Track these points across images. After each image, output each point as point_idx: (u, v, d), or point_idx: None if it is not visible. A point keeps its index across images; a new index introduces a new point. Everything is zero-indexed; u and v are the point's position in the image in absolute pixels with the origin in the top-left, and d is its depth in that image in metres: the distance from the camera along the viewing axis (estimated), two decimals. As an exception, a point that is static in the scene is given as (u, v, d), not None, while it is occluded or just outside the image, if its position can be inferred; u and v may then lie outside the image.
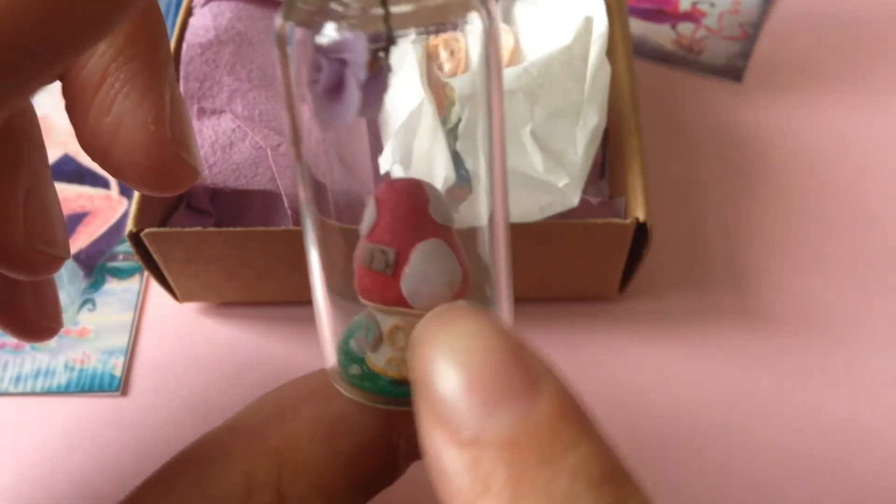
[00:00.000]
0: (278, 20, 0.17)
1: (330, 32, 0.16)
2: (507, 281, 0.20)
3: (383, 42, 0.16)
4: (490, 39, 0.17)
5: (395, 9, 0.16)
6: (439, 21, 0.16)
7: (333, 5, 0.16)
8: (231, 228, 0.34)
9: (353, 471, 0.20)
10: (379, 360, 0.19)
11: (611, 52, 0.41)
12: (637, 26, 0.53)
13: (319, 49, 0.16)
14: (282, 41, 0.17)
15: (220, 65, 0.39)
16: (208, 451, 0.19)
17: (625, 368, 0.37)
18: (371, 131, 0.41)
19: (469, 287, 0.19)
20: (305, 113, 0.17)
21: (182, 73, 0.38)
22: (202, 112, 0.38)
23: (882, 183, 0.44)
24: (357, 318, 0.19)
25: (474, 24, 0.16)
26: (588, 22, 0.38)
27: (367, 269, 0.18)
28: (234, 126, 0.38)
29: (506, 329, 0.16)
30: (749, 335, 0.38)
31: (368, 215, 0.18)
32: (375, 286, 0.18)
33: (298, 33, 0.16)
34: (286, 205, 0.36)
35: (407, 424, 0.20)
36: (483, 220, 0.19)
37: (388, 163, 0.35)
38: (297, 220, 0.37)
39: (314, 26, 0.16)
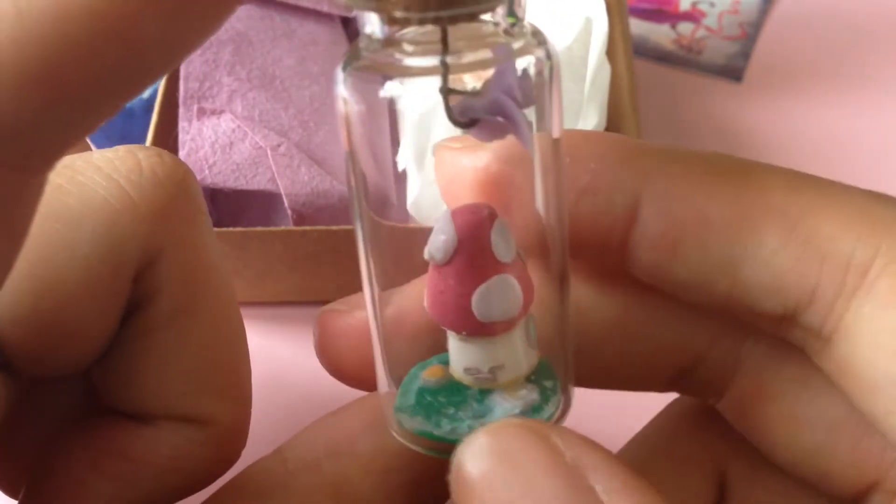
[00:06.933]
0: (340, 69, 0.17)
1: (391, 84, 0.16)
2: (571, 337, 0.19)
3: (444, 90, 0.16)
4: (552, 85, 0.17)
5: (453, 60, 0.16)
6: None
7: (395, 54, 0.16)
8: (231, 228, 0.34)
9: None
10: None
11: (611, 52, 0.41)
12: (637, 26, 0.53)
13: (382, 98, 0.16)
14: (344, 89, 0.17)
15: (220, 65, 0.39)
16: (265, 484, 0.19)
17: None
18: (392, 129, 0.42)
19: (530, 306, 0.18)
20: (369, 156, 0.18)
21: (182, 73, 0.38)
22: (202, 112, 0.38)
23: (882, 182, 0.44)
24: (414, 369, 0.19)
25: (531, 69, 0.16)
26: (588, 22, 0.38)
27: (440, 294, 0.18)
28: (234, 126, 0.38)
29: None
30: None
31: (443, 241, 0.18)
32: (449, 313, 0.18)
33: (359, 81, 0.16)
34: (286, 205, 0.36)
35: None
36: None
37: (404, 161, 0.35)
38: (299, 222, 0.37)
39: (375, 75, 0.16)
